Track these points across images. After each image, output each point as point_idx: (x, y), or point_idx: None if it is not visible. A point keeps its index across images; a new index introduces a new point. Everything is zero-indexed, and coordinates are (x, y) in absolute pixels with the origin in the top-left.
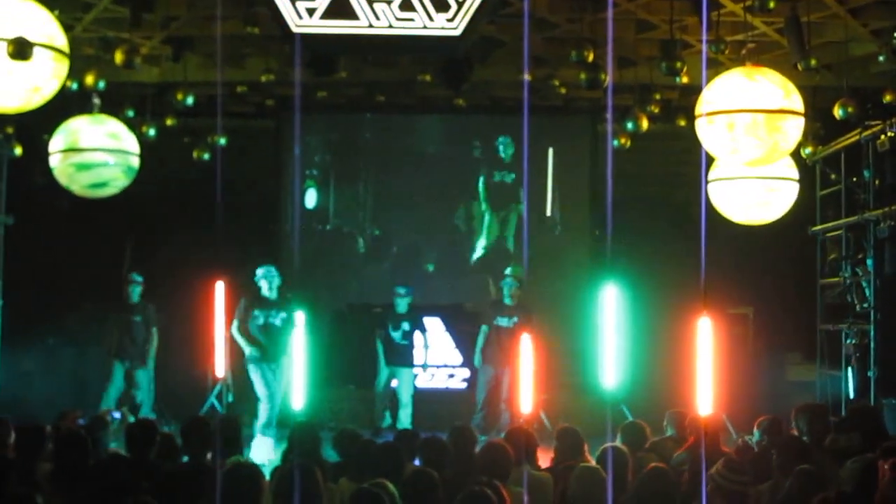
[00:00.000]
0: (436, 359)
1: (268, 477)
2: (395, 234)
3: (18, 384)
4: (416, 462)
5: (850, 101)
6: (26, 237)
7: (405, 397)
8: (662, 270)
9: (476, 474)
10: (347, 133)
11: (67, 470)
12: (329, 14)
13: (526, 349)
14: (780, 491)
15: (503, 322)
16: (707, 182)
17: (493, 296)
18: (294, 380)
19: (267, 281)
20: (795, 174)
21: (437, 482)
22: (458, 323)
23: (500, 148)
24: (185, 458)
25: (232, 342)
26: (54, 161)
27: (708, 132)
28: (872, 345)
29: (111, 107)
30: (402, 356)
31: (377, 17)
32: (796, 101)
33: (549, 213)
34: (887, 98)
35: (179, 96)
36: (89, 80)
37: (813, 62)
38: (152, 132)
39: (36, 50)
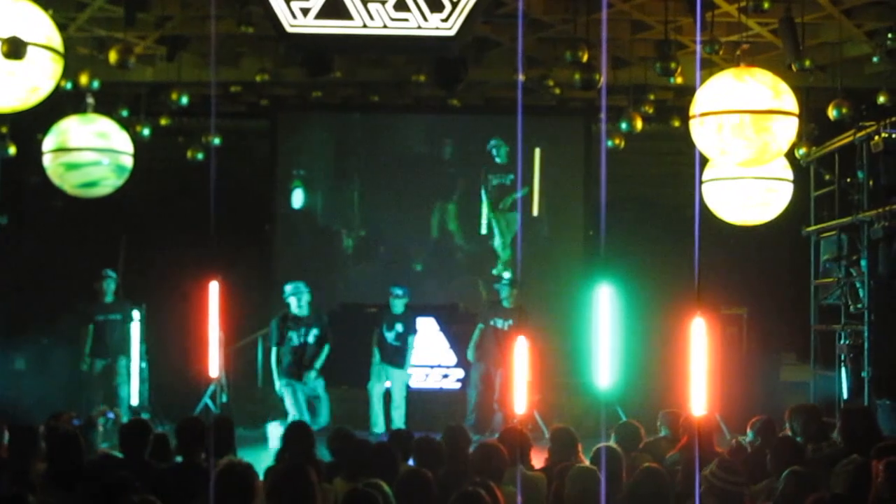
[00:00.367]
0: (429, 359)
1: (261, 477)
2: (382, 234)
3: (11, 384)
4: (410, 462)
5: (844, 102)
6: (20, 237)
7: (398, 398)
8: (656, 271)
9: (470, 474)
10: (338, 133)
11: (61, 470)
12: (323, 14)
13: (521, 350)
14: (775, 491)
15: (500, 324)
16: (701, 182)
17: (483, 297)
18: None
19: (296, 298)
20: (790, 175)
21: (431, 482)
22: (453, 323)
23: (493, 151)
24: (179, 458)
25: (227, 347)
26: (46, 161)
27: (700, 133)
28: (866, 345)
29: (105, 106)
30: (393, 357)
31: (371, 17)
32: (787, 102)
33: (535, 213)
34: (881, 99)
35: (174, 96)
36: (83, 79)
37: (807, 63)
38: (146, 132)
39: (30, 49)
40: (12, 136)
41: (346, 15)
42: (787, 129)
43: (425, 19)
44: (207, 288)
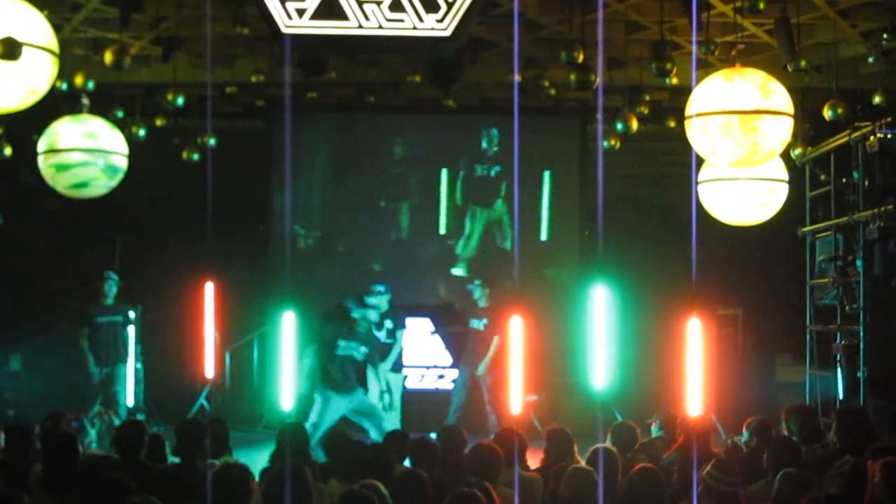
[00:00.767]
0: (425, 360)
1: (257, 478)
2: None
3: (6, 384)
4: (406, 463)
5: (839, 103)
6: (16, 237)
7: (394, 401)
8: (652, 271)
9: (465, 475)
10: (334, 133)
11: (57, 471)
12: (319, 14)
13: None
14: (771, 492)
15: (475, 324)
16: (697, 183)
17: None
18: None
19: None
20: (785, 175)
21: (426, 483)
22: (449, 324)
23: (483, 139)
24: (175, 460)
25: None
26: (40, 162)
27: (694, 133)
28: (862, 346)
29: (100, 107)
30: (385, 356)
31: (367, 18)
32: (777, 101)
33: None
34: (876, 99)
35: (169, 97)
36: (78, 80)
37: (802, 63)
38: (142, 133)
39: (25, 50)
40: (8, 136)
41: (341, 15)
42: (778, 129)
43: (421, 20)
44: (203, 289)
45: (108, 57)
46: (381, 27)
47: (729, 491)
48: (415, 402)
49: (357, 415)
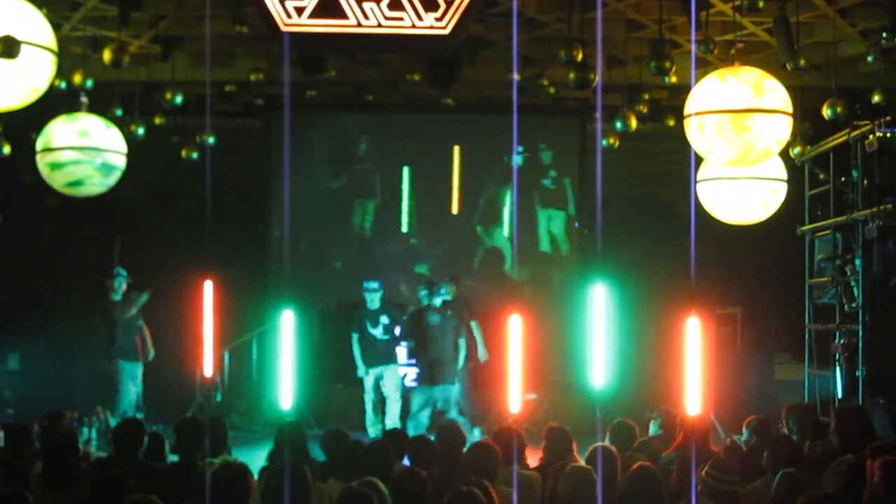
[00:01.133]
0: None
1: (255, 477)
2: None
3: (5, 383)
4: (405, 462)
5: (838, 101)
6: (15, 235)
7: (394, 396)
8: (651, 270)
9: (464, 474)
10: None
11: (57, 470)
12: (317, 13)
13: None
14: (770, 491)
15: (435, 319)
16: (696, 182)
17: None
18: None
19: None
20: (784, 174)
21: (425, 482)
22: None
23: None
24: (174, 458)
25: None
26: (38, 161)
27: (691, 133)
28: (861, 345)
29: (99, 105)
30: (385, 354)
31: (366, 16)
32: (770, 100)
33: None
34: (876, 98)
35: (168, 95)
36: (77, 78)
37: (802, 62)
38: (141, 131)
39: (23, 48)
40: (7, 135)
41: (340, 14)
42: (772, 127)
43: (420, 18)
44: (202, 287)
45: (107, 55)
46: (380, 25)
47: (728, 490)
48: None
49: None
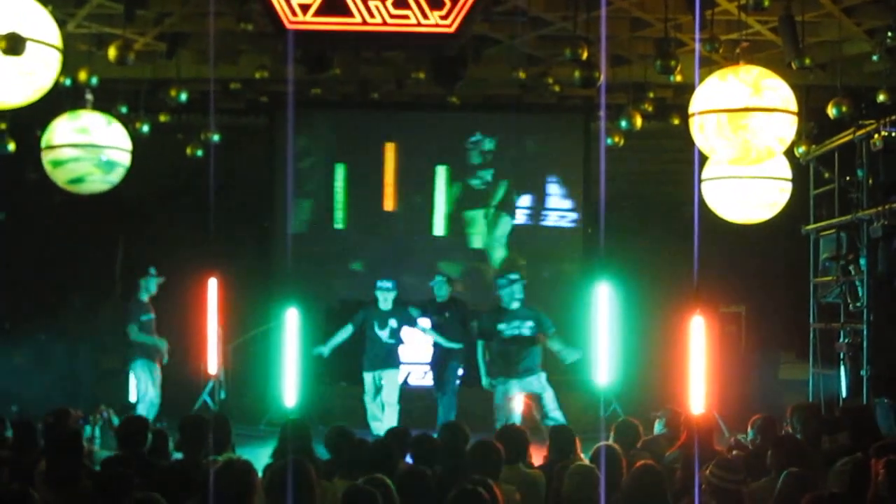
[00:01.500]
0: (428, 356)
1: (260, 474)
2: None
3: (9, 380)
4: (408, 460)
5: (843, 101)
6: (19, 233)
7: (392, 399)
8: (655, 268)
9: (467, 472)
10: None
11: (62, 467)
12: (322, 10)
13: None
14: (774, 489)
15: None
16: (700, 181)
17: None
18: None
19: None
20: (789, 173)
21: (429, 480)
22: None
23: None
24: (178, 455)
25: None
26: (42, 158)
27: (694, 132)
28: (865, 344)
29: (104, 103)
30: (388, 357)
31: (371, 14)
32: (769, 98)
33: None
34: (881, 97)
35: (173, 93)
36: (82, 76)
37: (807, 61)
38: (146, 129)
39: (29, 45)
40: (11, 132)
41: (345, 12)
42: (772, 126)
43: (425, 16)
44: (206, 285)
45: (111, 53)
46: (385, 23)
47: (732, 489)
48: (417, 399)
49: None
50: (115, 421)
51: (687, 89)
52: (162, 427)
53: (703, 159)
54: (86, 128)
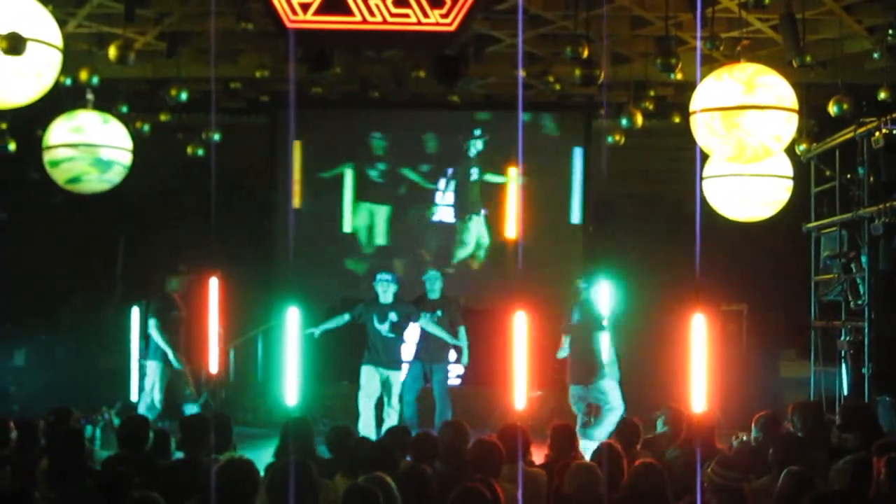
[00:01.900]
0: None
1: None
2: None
3: (10, 379)
4: (409, 459)
5: (844, 98)
6: (20, 232)
7: (392, 400)
8: (656, 266)
9: (468, 471)
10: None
11: (63, 466)
12: (323, 9)
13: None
14: (776, 487)
15: (425, 318)
16: (701, 179)
17: None
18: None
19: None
20: (790, 171)
21: (430, 478)
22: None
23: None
24: (180, 454)
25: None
26: (42, 158)
27: (694, 130)
28: (867, 342)
29: (105, 102)
30: (389, 354)
31: (371, 13)
32: (762, 96)
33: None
34: (882, 95)
35: (173, 92)
36: (83, 75)
37: (808, 59)
38: (146, 128)
39: (29, 45)
40: (12, 132)
41: (345, 10)
42: (766, 124)
43: (425, 15)
44: (207, 284)
45: (112, 52)
46: (385, 22)
47: (733, 487)
48: (417, 398)
49: None
50: (116, 422)
51: (688, 87)
52: (163, 426)
53: (705, 157)
54: (80, 127)
